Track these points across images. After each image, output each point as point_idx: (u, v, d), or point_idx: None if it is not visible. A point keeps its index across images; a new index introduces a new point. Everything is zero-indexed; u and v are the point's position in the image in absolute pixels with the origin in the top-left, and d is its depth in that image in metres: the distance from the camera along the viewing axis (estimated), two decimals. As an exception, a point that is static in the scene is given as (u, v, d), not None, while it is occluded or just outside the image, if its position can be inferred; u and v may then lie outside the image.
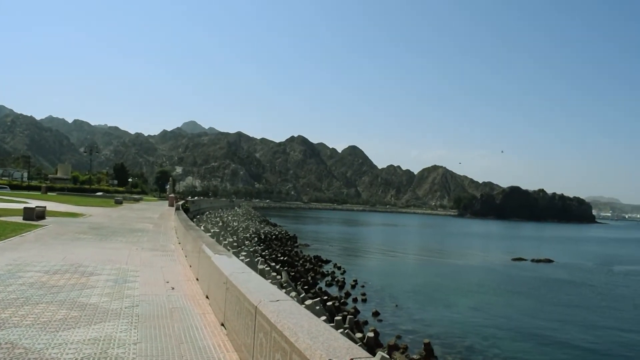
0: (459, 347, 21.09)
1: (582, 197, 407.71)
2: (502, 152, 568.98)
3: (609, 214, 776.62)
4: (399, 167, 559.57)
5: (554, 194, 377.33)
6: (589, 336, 24.90)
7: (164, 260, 16.28)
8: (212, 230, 38.87)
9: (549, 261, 61.17)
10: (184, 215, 31.30)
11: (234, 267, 8.01)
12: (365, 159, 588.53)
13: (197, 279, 12.34)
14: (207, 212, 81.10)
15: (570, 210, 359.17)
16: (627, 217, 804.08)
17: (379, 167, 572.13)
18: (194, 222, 33.58)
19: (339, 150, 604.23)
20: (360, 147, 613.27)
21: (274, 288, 6.37)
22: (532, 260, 61.07)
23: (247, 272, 7.61)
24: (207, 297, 10.13)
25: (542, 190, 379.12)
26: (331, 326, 15.76)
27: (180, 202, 54.87)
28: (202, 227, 35.78)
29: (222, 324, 7.80)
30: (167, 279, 12.62)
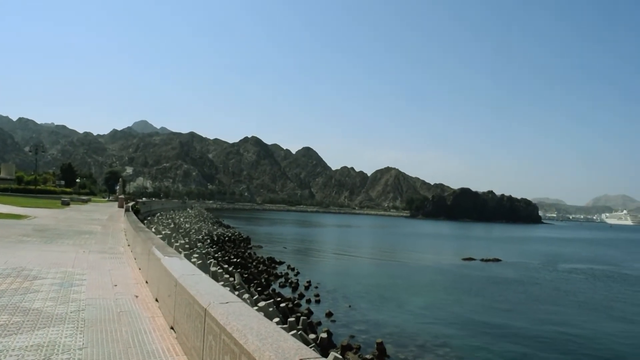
0: (411, 346, 21.37)
1: (529, 198, 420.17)
2: None
3: (555, 215, 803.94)
4: (352, 168, 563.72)
5: (503, 195, 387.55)
6: (534, 331, 25.66)
7: (113, 263, 15.86)
8: (163, 232, 38.13)
9: (498, 260, 62.77)
10: (134, 217, 30.63)
11: (184, 270, 7.86)
12: (319, 161, 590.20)
13: (147, 282, 12.08)
14: (159, 214, 79.66)
15: (518, 211, 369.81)
16: (571, 217, 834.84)
17: (333, 168, 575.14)
18: (144, 224, 32.91)
19: (293, 152, 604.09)
20: (315, 149, 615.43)
21: (224, 290, 6.28)
22: (482, 260, 62.52)
23: (197, 274, 7.49)
24: (156, 300, 9.92)
25: (491, 192, 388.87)
26: (284, 327, 15.71)
27: (130, 204, 53.69)
28: (152, 229, 35.07)
29: (172, 327, 7.65)
30: (116, 282, 12.30)
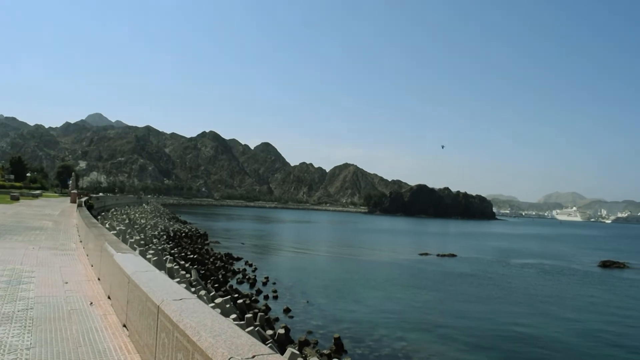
0: (368, 340, 21.56)
1: (483, 195, 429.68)
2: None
3: (508, 211, 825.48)
4: (311, 164, 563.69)
5: (458, 192, 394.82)
6: (487, 324, 26.27)
7: (64, 259, 15.41)
8: (117, 228, 37.28)
9: (453, 256, 63.94)
10: (87, 212, 29.90)
11: (137, 266, 7.70)
12: (278, 156, 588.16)
13: (99, 279, 11.79)
14: (113, 209, 77.94)
15: (472, 208, 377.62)
16: (523, 214, 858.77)
17: (292, 164, 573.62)
18: (98, 219, 32.19)
19: (252, 147, 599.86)
20: (273, 144, 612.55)
21: (178, 287, 6.18)
22: (437, 255, 63.58)
23: (150, 270, 7.34)
24: (109, 297, 9.69)
25: (447, 189, 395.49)
26: (242, 324, 15.58)
27: (84, 199, 52.40)
28: (106, 225, 34.29)
29: (124, 325, 7.48)
30: (66, 279, 11.95)
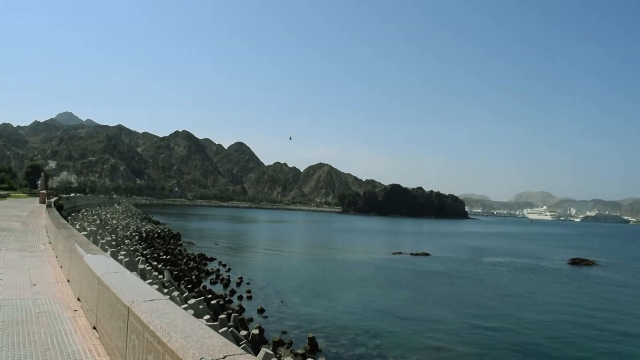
0: (342, 339, 21.60)
1: (456, 194, 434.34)
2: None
3: (480, 210, 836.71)
4: (285, 164, 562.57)
5: (431, 191, 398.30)
6: (460, 322, 26.56)
7: (32, 261, 15.08)
8: (88, 229, 36.63)
9: (426, 254, 64.49)
10: (57, 212, 29.37)
11: (107, 267, 7.57)
12: (252, 156, 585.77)
13: (69, 281, 11.56)
14: (84, 210, 76.53)
15: (445, 207, 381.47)
16: (495, 213, 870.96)
17: (266, 164, 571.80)
18: (68, 220, 31.59)
19: (226, 147, 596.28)
20: (247, 144, 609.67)
21: (149, 287, 6.09)
22: (411, 254, 64.06)
23: (121, 271, 7.22)
24: (78, 299, 9.51)
25: (420, 188, 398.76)
26: (215, 325, 15.45)
27: (53, 199, 51.41)
28: (77, 226, 33.69)
29: (94, 327, 7.35)
30: (35, 281, 11.70)
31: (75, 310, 8.87)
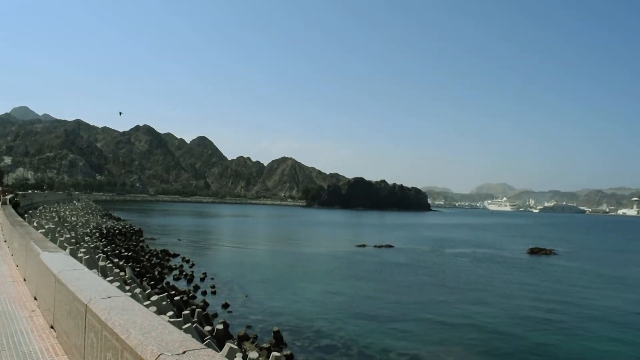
0: (307, 332, 21.65)
1: (418, 187, 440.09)
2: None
3: (442, 202, 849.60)
4: (249, 158, 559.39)
5: (394, 184, 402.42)
6: (424, 312, 26.94)
7: (-14, 260, 14.61)
8: (46, 227, 35.74)
9: (390, 247, 65.12)
10: (12, 210, 28.53)
11: (64, 265, 7.37)
12: (215, 150, 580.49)
13: (25, 280, 11.24)
14: (41, 207, 74.57)
15: (408, 199, 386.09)
16: (457, 205, 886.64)
17: (229, 158, 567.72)
18: (24, 218, 30.76)
19: (188, 141, 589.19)
20: (210, 138, 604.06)
21: (107, 284, 5.96)
22: (375, 246, 64.59)
23: (78, 269, 7.05)
24: (35, 298, 9.25)
25: (383, 181, 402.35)
26: (179, 321, 15.28)
27: (9, 196, 49.94)
28: (34, 223, 32.80)
29: (52, 326, 7.16)
30: (-11, 281, 11.33)
31: (32, 310, 8.63)
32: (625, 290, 38.23)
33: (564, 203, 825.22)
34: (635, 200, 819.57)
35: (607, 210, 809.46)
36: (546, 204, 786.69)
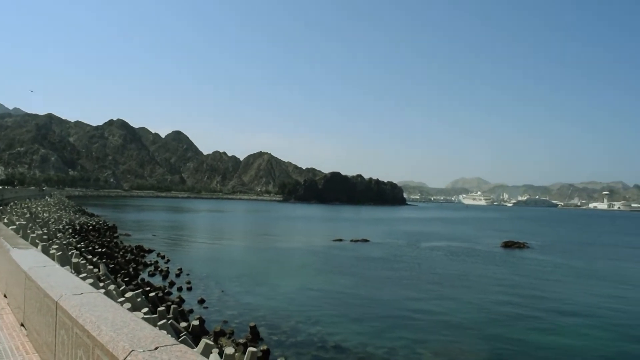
0: (284, 327, 21.64)
1: (394, 181, 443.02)
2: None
3: (418, 197, 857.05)
4: (224, 153, 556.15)
5: (371, 179, 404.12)
6: (399, 305, 27.17)
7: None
8: (17, 223, 35.05)
9: (366, 241, 65.41)
10: (-19, 206, 27.87)
11: (35, 261, 7.23)
12: (190, 145, 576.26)
13: (-6, 277, 11.00)
14: (12, 203, 73.19)
15: (384, 194, 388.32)
16: (432, 199, 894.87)
17: (205, 153, 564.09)
18: (-6, 214, 30.12)
19: (162, 136, 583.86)
20: (185, 133, 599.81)
21: (79, 281, 5.87)
22: (351, 241, 64.80)
23: (49, 265, 6.93)
24: (5, 295, 9.06)
25: (360, 176, 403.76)
26: (154, 317, 15.13)
27: (-22, 192, 48.87)
28: (4, 220, 32.16)
29: (22, 324, 7.02)
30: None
31: (2, 308, 8.45)
32: (596, 283, 39.02)
33: (537, 197, 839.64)
34: (606, 194, 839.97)
35: (579, 204, 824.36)
36: (520, 198, 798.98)
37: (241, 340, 18.50)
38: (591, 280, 40.10)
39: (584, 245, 76.03)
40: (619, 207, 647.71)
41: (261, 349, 17.51)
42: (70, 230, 51.76)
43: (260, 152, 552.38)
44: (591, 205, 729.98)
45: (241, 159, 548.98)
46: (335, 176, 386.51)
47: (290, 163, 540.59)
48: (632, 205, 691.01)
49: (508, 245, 65.91)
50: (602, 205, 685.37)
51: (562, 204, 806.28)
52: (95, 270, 26.05)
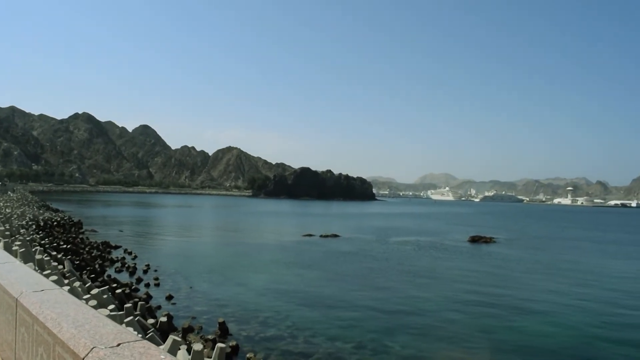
0: (253, 322, 21.57)
1: (364, 177, 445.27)
2: None
3: (387, 192, 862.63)
4: (193, 148, 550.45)
5: (340, 174, 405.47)
6: (368, 299, 27.34)
7: None
8: (-23, 219, 34.18)
9: (336, 236, 65.62)
10: (-60, 201, 27.03)
11: (-6, 258, 7.02)
12: (158, 139, 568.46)
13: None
14: (-28, 198, 71.24)
15: (354, 189, 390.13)
16: (401, 194, 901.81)
17: (173, 147, 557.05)
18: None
19: (130, 130, 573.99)
20: (153, 127, 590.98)
21: (40, 277, 5.72)
22: (321, 236, 64.92)
23: (10, 262, 6.73)
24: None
25: (329, 171, 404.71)
26: (121, 314, 14.90)
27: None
28: (-36, 215, 31.27)
29: (-19, 323, 6.81)
30: None
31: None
32: (558, 276, 39.92)
33: (504, 192, 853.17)
34: (570, 189, 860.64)
35: (544, 199, 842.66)
36: (487, 194, 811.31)
37: (210, 337, 18.39)
38: (554, 273, 41.04)
39: (548, 240, 77.77)
40: (582, 203, 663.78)
41: (230, 344, 17.43)
42: (34, 226, 50.57)
43: (230, 147, 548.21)
44: (555, 201, 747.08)
45: (210, 154, 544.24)
46: (305, 171, 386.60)
47: (259, 158, 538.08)
48: (595, 200, 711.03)
49: (475, 239, 66.89)
50: (566, 201, 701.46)
51: (528, 199, 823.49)
52: (60, 267, 25.54)
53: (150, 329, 16.64)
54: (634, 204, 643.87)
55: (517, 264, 46.11)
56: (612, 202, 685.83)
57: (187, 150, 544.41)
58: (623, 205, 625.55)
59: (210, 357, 13.46)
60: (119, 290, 23.05)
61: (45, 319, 3.86)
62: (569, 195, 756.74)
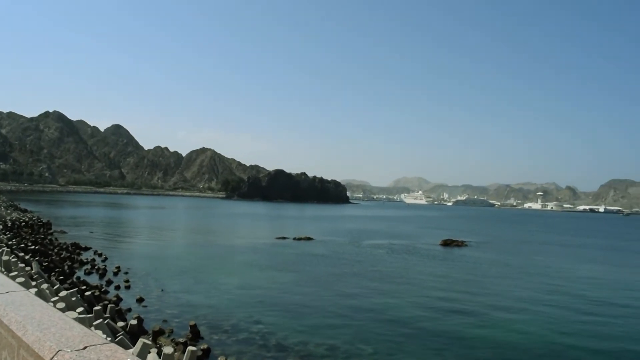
0: (225, 325, 21.43)
1: (338, 180, 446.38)
2: None
3: (361, 195, 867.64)
4: (166, 148, 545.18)
5: (314, 177, 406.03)
6: (340, 302, 27.39)
7: None
8: (-59, 218, 33.31)
9: (309, 239, 65.58)
10: None
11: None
12: (131, 139, 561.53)
13: None
14: (-63, 198, 69.39)
15: (328, 192, 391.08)
16: (375, 197, 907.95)
17: (146, 148, 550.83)
18: None
19: (102, 129, 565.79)
20: (125, 127, 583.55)
21: (5, 279, 5.60)
22: (294, 239, 64.81)
23: (-25, 262, 6.56)
24: None
25: (304, 174, 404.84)
26: (90, 317, 14.66)
27: None
28: None
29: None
30: None
31: None
32: (528, 279, 40.57)
33: (476, 197, 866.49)
34: (540, 194, 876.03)
35: (515, 204, 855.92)
36: (459, 198, 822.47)
37: (181, 340, 18.20)
38: (524, 277, 41.66)
39: (519, 243, 78.97)
40: (552, 207, 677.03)
41: (201, 347, 17.29)
42: (0, 227, 49.51)
43: (204, 148, 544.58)
44: (526, 205, 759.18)
45: (183, 155, 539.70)
46: (280, 173, 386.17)
47: (234, 160, 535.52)
48: (564, 205, 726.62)
49: (447, 243, 67.53)
50: (536, 205, 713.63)
51: (499, 203, 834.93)
52: (28, 268, 25.02)
53: (120, 332, 16.41)
54: (601, 209, 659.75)
55: (488, 267, 46.67)
56: (581, 207, 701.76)
57: (160, 151, 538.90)
58: (591, 211, 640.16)
59: (181, 361, 13.34)
60: (88, 293, 22.68)
61: (9, 322, 3.77)
62: (539, 200, 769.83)
